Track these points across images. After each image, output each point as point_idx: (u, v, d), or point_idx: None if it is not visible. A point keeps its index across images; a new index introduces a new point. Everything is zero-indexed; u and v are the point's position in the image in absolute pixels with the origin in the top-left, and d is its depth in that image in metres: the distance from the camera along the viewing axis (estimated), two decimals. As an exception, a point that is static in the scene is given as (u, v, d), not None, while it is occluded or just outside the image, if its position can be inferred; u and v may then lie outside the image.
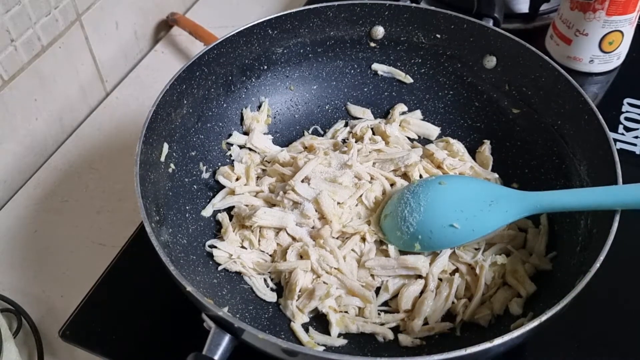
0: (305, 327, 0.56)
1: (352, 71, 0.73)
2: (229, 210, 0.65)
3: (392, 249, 0.60)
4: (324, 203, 0.61)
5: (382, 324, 0.57)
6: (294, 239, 0.61)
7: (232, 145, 0.69)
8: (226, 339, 0.46)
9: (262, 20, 0.67)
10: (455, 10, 0.68)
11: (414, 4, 0.70)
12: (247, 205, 0.64)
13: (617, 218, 0.49)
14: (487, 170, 0.68)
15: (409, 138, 0.71)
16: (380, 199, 0.64)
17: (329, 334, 0.56)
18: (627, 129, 0.77)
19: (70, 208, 0.71)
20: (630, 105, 0.80)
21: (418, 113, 0.73)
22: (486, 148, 0.68)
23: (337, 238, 0.61)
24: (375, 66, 0.73)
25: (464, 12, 0.69)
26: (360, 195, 0.63)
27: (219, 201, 0.65)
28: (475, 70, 0.69)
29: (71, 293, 0.63)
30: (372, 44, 0.72)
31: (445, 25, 0.68)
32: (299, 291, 0.57)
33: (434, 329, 0.55)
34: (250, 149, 0.69)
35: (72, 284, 0.64)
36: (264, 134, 0.71)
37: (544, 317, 0.44)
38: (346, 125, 0.73)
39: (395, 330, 0.56)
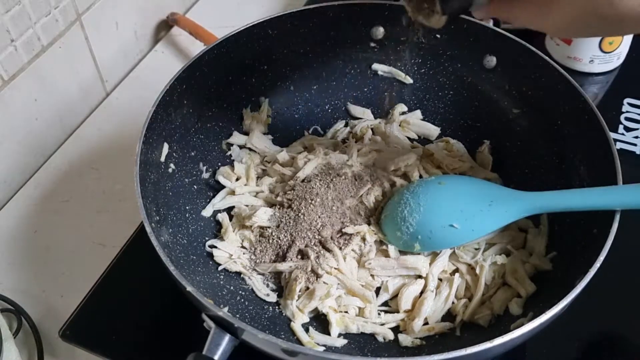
0: (305, 327, 0.56)
1: (352, 71, 0.73)
2: (229, 210, 0.65)
3: (392, 249, 0.60)
4: (324, 203, 0.61)
5: (382, 324, 0.57)
6: (294, 239, 0.61)
7: (232, 145, 0.69)
8: (226, 339, 0.46)
9: (262, 20, 0.67)
10: (456, 10, 0.68)
11: (414, 4, 0.70)
12: (247, 205, 0.64)
13: (617, 218, 0.49)
14: (487, 170, 0.67)
15: (409, 138, 0.71)
16: (380, 199, 0.64)
17: (329, 334, 0.56)
18: (627, 129, 0.77)
19: (70, 208, 0.71)
20: (630, 105, 0.80)
21: (418, 113, 0.73)
22: (486, 148, 0.68)
23: (337, 238, 0.61)
24: (375, 66, 0.73)
25: (464, 12, 0.69)
26: (360, 195, 0.63)
27: (219, 201, 0.65)
28: (475, 70, 0.69)
29: (71, 293, 0.63)
30: (372, 44, 0.72)
31: (445, 25, 0.68)
32: (299, 291, 0.57)
33: (434, 329, 0.56)
34: (250, 149, 0.69)
35: (72, 284, 0.64)
36: (264, 134, 0.71)
37: (544, 317, 0.44)
38: (346, 125, 0.73)
39: (395, 330, 0.57)
